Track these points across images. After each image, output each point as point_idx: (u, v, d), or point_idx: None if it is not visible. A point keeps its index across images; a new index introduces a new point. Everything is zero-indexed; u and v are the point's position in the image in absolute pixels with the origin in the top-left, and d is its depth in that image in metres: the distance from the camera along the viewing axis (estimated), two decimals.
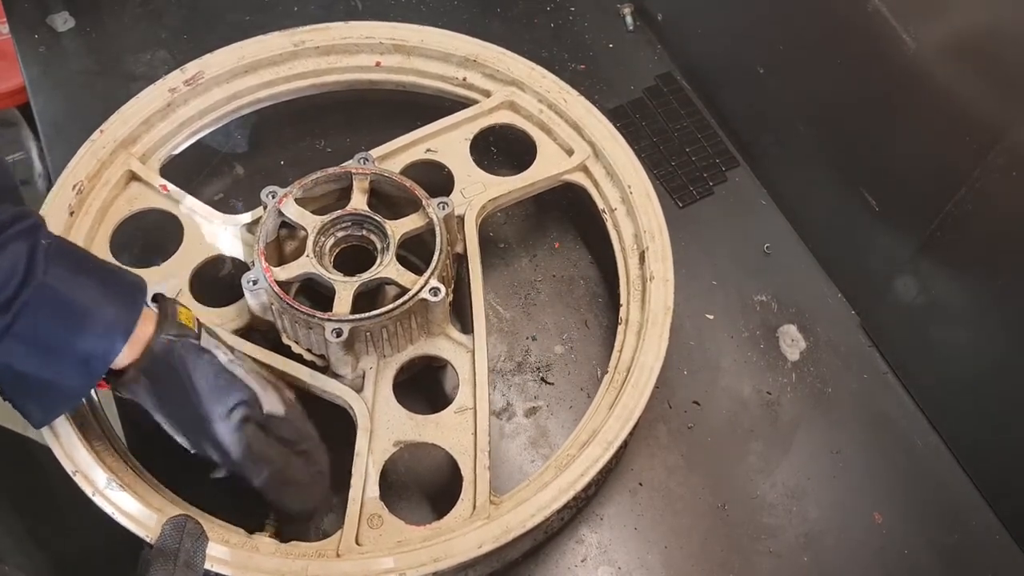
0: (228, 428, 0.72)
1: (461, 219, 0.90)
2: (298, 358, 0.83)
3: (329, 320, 0.78)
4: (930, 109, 0.81)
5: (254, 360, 0.80)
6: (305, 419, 0.78)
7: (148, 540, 0.70)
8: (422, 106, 1.03)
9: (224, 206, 1.00)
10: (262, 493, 0.75)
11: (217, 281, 0.92)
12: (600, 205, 0.94)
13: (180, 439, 0.74)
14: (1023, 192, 0.74)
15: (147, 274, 0.78)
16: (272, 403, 0.75)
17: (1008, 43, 0.72)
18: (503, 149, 1.06)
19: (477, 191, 0.92)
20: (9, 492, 0.89)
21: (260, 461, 0.73)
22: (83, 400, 0.78)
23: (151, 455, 0.80)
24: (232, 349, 0.77)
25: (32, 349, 0.65)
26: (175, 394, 0.71)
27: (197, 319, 0.75)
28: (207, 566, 0.69)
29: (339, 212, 0.85)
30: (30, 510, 0.88)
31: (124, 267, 0.73)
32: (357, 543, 0.75)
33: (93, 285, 0.68)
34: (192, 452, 0.74)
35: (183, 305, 0.75)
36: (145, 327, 0.71)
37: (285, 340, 0.83)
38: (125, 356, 0.70)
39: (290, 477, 0.75)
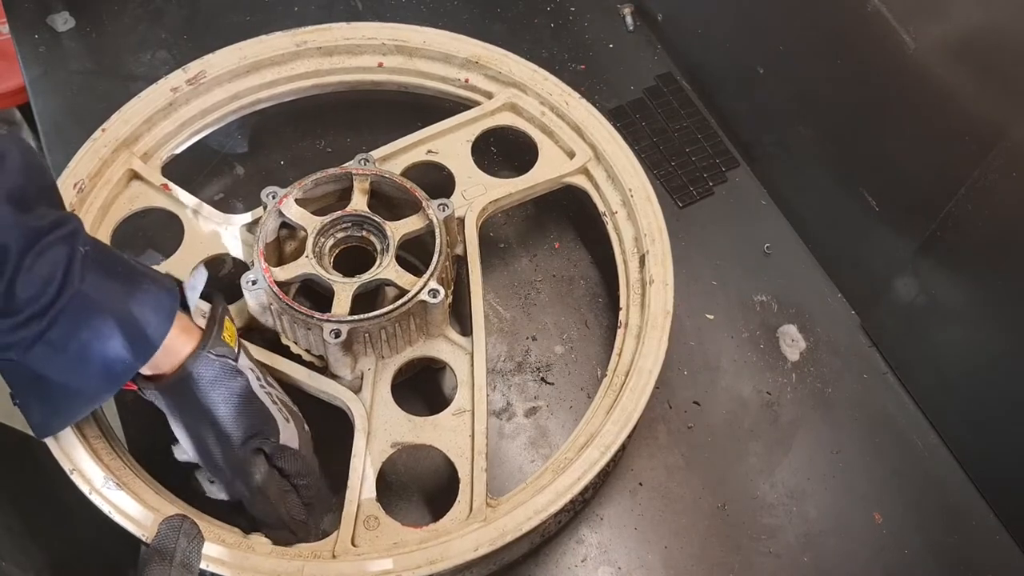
0: (241, 455, 0.73)
1: (461, 221, 0.90)
2: (297, 358, 0.83)
3: (328, 321, 0.78)
4: (930, 109, 0.81)
5: (261, 362, 0.80)
6: (313, 453, 0.78)
7: (145, 539, 0.70)
8: (424, 107, 1.03)
9: (225, 206, 1.00)
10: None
11: (217, 281, 0.92)
12: (601, 208, 0.94)
13: (193, 453, 0.74)
14: (1023, 192, 0.74)
15: None
16: (289, 436, 0.76)
17: (1008, 43, 0.72)
18: (504, 151, 1.06)
19: (478, 193, 0.92)
20: (8, 490, 0.89)
21: (261, 496, 0.74)
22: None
23: (149, 454, 0.80)
24: (263, 372, 0.77)
25: (62, 355, 0.65)
26: (200, 411, 0.72)
27: (238, 337, 0.75)
28: (203, 566, 0.70)
29: (339, 213, 0.85)
30: (29, 508, 0.88)
31: (158, 272, 0.73)
32: (353, 544, 0.75)
33: (129, 294, 0.68)
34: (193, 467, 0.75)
35: (230, 319, 0.75)
36: (188, 339, 0.71)
37: (284, 340, 0.84)
38: (162, 364, 0.70)
39: (282, 516, 0.75)
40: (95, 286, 0.66)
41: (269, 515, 0.75)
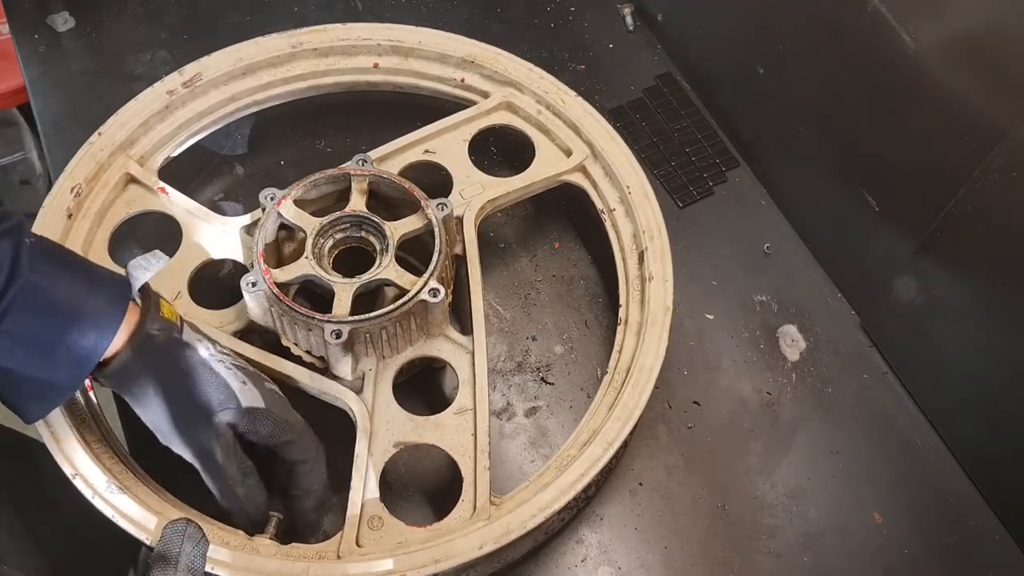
0: (203, 428, 0.72)
1: (460, 220, 0.90)
2: (298, 360, 0.83)
3: (328, 322, 0.78)
4: (930, 109, 0.81)
5: (241, 355, 0.80)
6: (288, 408, 0.77)
7: (148, 544, 0.70)
8: (421, 107, 1.02)
9: (223, 208, 1.00)
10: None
11: (216, 283, 0.92)
12: (599, 205, 0.94)
13: (155, 432, 0.73)
14: (1023, 192, 0.74)
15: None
16: (251, 398, 0.74)
17: (1008, 43, 0.72)
18: (502, 150, 1.05)
19: (476, 192, 0.92)
20: (9, 492, 0.89)
21: (222, 474, 0.73)
22: (75, 394, 0.78)
23: (151, 457, 0.80)
24: (215, 342, 0.76)
25: (21, 346, 0.66)
26: (152, 388, 0.72)
27: (179, 314, 0.75)
28: (208, 568, 0.69)
29: (338, 213, 0.85)
30: (30, 509, 0.88)
31: (104, 267, 0.73)
32: (358, 544, 0.75)
33: (79, 281, 0.69)
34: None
35: (165, 299, 0.75)
36: (129, 320, 0.71)
37: (284, 342, 0.83)
38: (112, 348, 0.70)
39: (239, 498, 0.74)
40: (45, 275, 0.66)
41: (226, 495, 0.74)
